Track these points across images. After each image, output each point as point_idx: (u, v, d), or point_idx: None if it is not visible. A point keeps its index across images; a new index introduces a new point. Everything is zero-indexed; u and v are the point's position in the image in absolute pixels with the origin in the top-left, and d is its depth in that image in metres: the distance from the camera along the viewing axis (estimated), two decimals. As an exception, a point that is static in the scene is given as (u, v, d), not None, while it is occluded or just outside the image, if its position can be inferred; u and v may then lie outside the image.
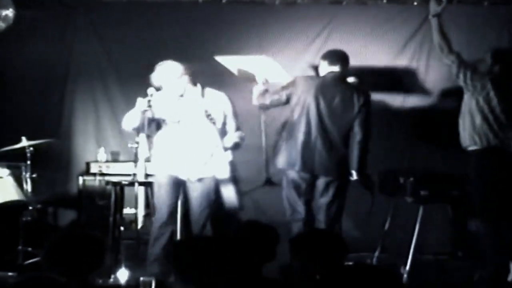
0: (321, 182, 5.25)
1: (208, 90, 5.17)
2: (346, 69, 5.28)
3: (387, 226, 5.74)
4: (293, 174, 5.26)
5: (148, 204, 5.54)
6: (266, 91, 5.47)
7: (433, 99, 6.21)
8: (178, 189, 5.16)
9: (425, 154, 6.15)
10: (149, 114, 4.96)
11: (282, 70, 5.62)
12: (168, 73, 5.06)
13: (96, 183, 6.29)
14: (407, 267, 5.31)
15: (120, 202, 5.41)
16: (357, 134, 5.18)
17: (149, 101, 4.92)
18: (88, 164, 6.45)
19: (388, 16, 6.22)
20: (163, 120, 5.10)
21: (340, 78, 5.26)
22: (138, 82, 5.47)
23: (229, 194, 5.06)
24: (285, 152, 5.25)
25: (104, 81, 6.54)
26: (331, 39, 6.25)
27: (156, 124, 5.14)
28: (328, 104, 5.17)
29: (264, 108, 5.48)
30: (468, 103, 5.13)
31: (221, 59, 5.67)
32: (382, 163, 5.92)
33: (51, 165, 6.43)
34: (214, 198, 5.10)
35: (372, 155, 5.66)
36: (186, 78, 5.07)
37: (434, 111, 6.09)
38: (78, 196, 6.42)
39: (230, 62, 5.70)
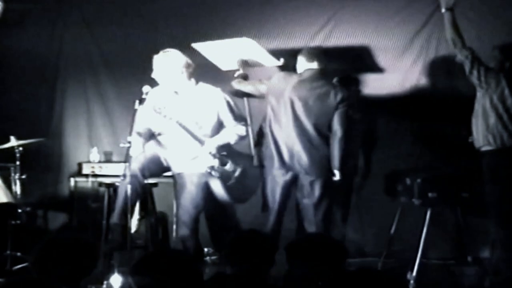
0: (304, 182, 5.28)
1: (201, 85, 5.18)
2: (325, 66, 5.31)
3: (393, 230, 5.73)
4: (273, 171, 5.33)
5: (143, 207, 5.49)
6: (245, 76, 5.53)
7: (441, 96, 6.15)
8: None
9: (433, 154, 6.12)
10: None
11: (266, 54, 5.62)
12: (171, 63, 5.07)
13: (89, 184, 6.24)
14: (414, 273, 5.30)
15: (113, 205, 5.31)
16: (336, 132, 5.18)
17: (141, 100, 4.90)
18: (80, 165, 6.40)
19: (394, 10, 6.13)
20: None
21: (317, 75, 5.28)
22: (132, 78, 5.63)
23: (217, 189, 5.14)
24: (265, 148, 5.35)
25: (96, 78, 6.52)
26: (334, 34, 6.23)
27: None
28: (304, 102, 5.20)
29: (239, 95, 5.48)
30: (482, 101, 5.10)
31: (199, 46, 5.62)
32: (388, 164, 5.92)
33: (41, 166, 6.43)
34: (206, 194, 5.17)
35: (378, 156, 5.61)
36: (186, 73, 5.10)
37: (443, 109, 6.05)
38: (70, 198, 6.38)
39: (210, 48, 5.65)
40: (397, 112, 6.21)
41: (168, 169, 5.30)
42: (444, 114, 6.02)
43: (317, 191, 5.24)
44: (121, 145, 5.09)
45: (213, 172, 5.10)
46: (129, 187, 4.84)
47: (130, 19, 6.40)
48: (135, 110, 4.89)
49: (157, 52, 5.21)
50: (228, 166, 5.20)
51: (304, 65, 5.33)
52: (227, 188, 5.17)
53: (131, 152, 4.89)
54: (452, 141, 5.84)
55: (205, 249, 5.86)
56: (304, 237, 4.37)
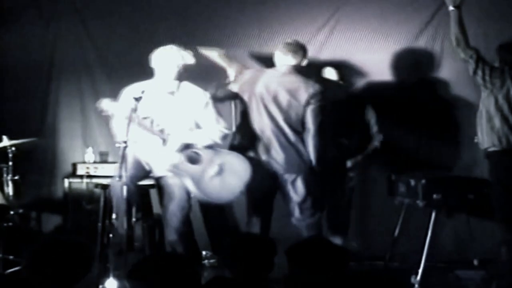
0: (286, 180, 5.25)
1: (184, 84, 5.16)
2: (301, 60, 5.26)
3: (397, 232, 5.72)
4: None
5: (139, 208, 5.41)
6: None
7: (446, 96, 6.16)
8: None
9: (439, 154, 6.12)
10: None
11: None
12: (171, 60, 5.07)
13: (83, 186, 6.22)
14: (419, 277, 5.27)
15: (109, 207, 5.32)
16: (310, 129, 5.18)
17: (137, 99, 4.90)
18: (74, 165, 6.36)
19: (399, 5, 6.15)
20: None
21: (290, 70, 5.25)
22: (128, 76, 5.52)
23: (191, 187, 5.12)
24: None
25: (92, 76, 6.48)
26: (338, 30, 6.23)
27: None
28: (274, 97, 5.18)
29: (216, 100, 5.39)
30: (486, 102, 5.11)
31: (206, 51, 5.66)
32: (391, 164, 5.93)
33: (34, 167, 6.41)
34: (189, 195, 5.18)
35: (381, 155, 5.66)
36: (181, 72, 5.11)
37: (448, 108, 6.07)
38: (64, 200, 6.35)
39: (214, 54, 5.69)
40: (402, 111, 6.19)
41: (150, 172, 5.27)
42: (450, 113, 6.03)
43: (299, 187, 5.23)
44: (117, 145, 5.01)
45: (175, 170, 5.07)
46: (125, 188, 4.81)
47: (127, 14, 6.37)
48: (131, 109, 4.87)
49: (154, 48, 5.19)
50: (200, 165, 5.14)
51: (280, 59, 5.30)
52: (202, 186, 5.11)
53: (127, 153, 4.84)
54: (458, 141, 5.86)
55: (203, 252, 5.89)
56: (305, 240, 4.26)
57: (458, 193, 5.31)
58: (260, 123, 5.19)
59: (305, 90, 5.15)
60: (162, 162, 5.10)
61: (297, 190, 5.23)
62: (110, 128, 5.22)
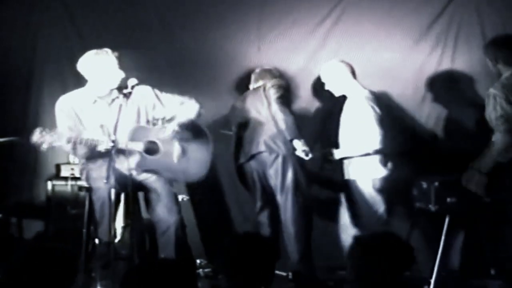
0: (266, 160, 5.67)
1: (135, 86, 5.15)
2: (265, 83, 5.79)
3: (408, 238, 5.62)
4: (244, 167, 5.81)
5: (128, 214, 5.56)
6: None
7: (460, 92, 6.16)
8: None
9: (452, 154, 6.04)
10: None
11: None
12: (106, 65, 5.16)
13: (68, 188, 6.19)
14: (432, 286, 5.26)
15: (96, 214, 5.31)
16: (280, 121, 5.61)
17: (125, 94, 5.01)
18: (58, 166, 6.30)
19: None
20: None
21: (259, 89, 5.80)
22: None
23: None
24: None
25: (76, 68, 6.14)
26: (342, 21, 6.24)
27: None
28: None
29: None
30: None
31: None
32: (401, 165, 5.84)
33: (15, 168, 6.39)
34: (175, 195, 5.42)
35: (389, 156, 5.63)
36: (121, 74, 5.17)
37: (462, 105, 6.08)
38: (47, 204, 6.29)
39: None
40: (410, 108, 6.25)
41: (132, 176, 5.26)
42: (465, 110, 6.07)
43: (277, 164, 5.58)
44: (103, 149, 5.08)
45: (140, 168, 5.28)
46: (113, 191, 4.83)
47: (117, 3, 6.40)
48: (120, 106, 4.91)
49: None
50: (161, 152, 5.33)
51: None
52: (173, 169, 5.34)
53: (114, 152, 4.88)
54: (473, 140, 5.81)
55: (197, 261, 5.90)
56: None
57: (474, 197, 5.18)
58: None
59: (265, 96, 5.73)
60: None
61: (275, 166, 5.63)
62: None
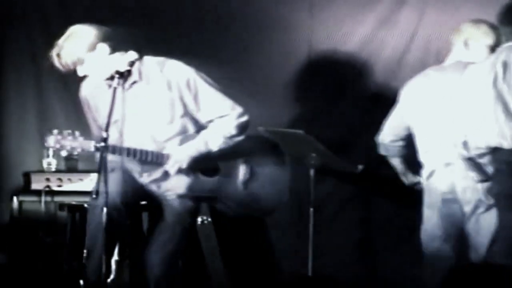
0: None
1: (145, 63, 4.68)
2: None
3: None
4: None
5: (125, 243, 4.95)
6: None
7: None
8: None
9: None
10: None
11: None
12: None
13: (41, 206, 5.55)
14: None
15: (81, 239, 4.69)
16: None
17: (122, 74, 4.53)
18: (27, 176, 5.71)
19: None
20: None
21: None
22: None
23: None
24: None
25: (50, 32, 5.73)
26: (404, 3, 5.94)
27: None
28: None
29: None
30: None
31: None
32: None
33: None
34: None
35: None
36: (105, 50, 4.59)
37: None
38: (10, 227, 5.71)
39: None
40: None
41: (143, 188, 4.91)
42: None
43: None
44: (92, 145, 4.55)
45: (189, 193, 4.78)
46: (104, 211, 4.28)
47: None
48: (114, 89, 4.42)
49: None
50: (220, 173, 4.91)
51: None
52: (236, 198, 4.92)
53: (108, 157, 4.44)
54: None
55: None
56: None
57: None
58: None
59: None
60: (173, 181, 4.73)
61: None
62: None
